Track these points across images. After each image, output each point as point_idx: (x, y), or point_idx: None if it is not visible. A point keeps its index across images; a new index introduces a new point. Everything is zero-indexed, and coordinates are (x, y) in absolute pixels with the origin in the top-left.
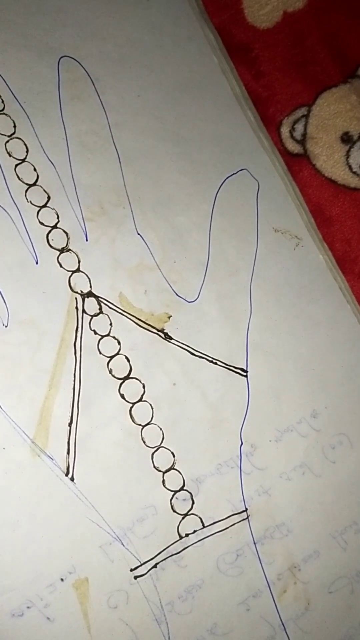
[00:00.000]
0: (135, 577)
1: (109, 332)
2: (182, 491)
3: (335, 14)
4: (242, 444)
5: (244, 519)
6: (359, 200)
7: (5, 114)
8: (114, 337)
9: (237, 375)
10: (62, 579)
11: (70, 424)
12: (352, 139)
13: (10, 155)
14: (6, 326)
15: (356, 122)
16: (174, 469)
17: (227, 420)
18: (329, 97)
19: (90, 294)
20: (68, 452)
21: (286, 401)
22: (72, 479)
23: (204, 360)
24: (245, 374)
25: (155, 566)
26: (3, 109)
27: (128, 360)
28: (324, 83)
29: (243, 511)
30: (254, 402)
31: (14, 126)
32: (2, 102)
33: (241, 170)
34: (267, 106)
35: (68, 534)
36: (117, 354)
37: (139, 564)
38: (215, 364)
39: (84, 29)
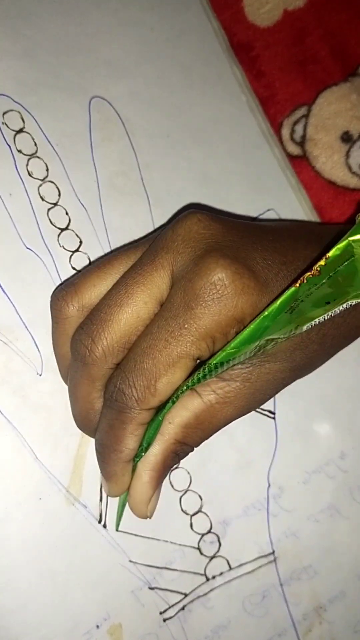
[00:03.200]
0: (164, 620)
1: None
2: (209, 534)
3: (336, 12)
4: (269, 486)
5: (270, 561)
6: (358, 202)
7: (39, 157)
8: None
9: (265, 417)
10: (97, 626)
11: None
12: (352, 138)
13: (43, 199)
14: (40, 375)
15: (356, 122)
16: (201, 511)
17: (254, 462)
18: (329, 96)
19: None
20: (101, 500)
21: (314, 443)
22: (104, 526)
23: None
24: (273, 415)
25: (183, 608)
26: (36, 152)
27: None
28: (325, 82)
29: (270, 553)
30: (282, 444)
31: (47, 169)
32: (35, 145)
33: (268, 210)
34: (268, 107)
35: (102, 581)
36: None
37: (168, 606)
38: None
39: (115, 69)
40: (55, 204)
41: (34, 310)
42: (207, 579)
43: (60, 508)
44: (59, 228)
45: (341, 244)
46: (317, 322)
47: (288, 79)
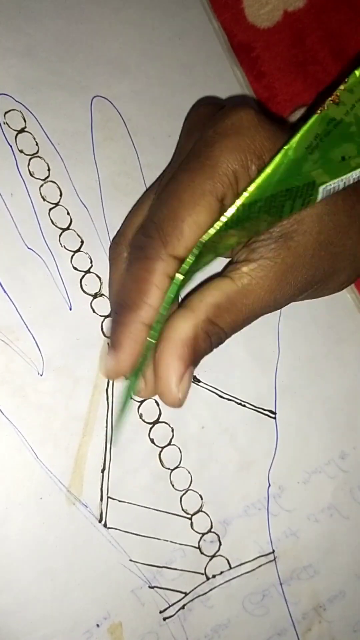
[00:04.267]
0: (164, 619)
1: None
2: (209, 533)
3: (336, 13)
4: (269, 485)
5: (270, 561)
6: None
7: (40, 157)
8: None
9: (266, 417)
10: (97, 625)
11: (103, 471)
12: None
13: (44, 199)
14: (41, 375)
15: None
16: (202, 511)
17: (255, 462)
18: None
19: None
20: (101, 499)
21: (314, 442)
22: (105, 526)
23: (233, 402)
24: (273, 415)
25: (183, 607)
26: (37, 152)
27: (157, 404)
28: (325, 82)
29: (270, 553)
30: (282, 443)
31: (48, 169)
32: (37, 144)
33: None
34: (268, 108)
35: (102, 580)
36: (147, 398)
37: (168, 605)
38: (244, 406)
39: (116, 67)
40: (57, 204)
41: (35, 310)
42: (207, 578)
43: (61, 508)
44: (60, 228)
45: None
46: (335, 187)
47: (288, 79)
